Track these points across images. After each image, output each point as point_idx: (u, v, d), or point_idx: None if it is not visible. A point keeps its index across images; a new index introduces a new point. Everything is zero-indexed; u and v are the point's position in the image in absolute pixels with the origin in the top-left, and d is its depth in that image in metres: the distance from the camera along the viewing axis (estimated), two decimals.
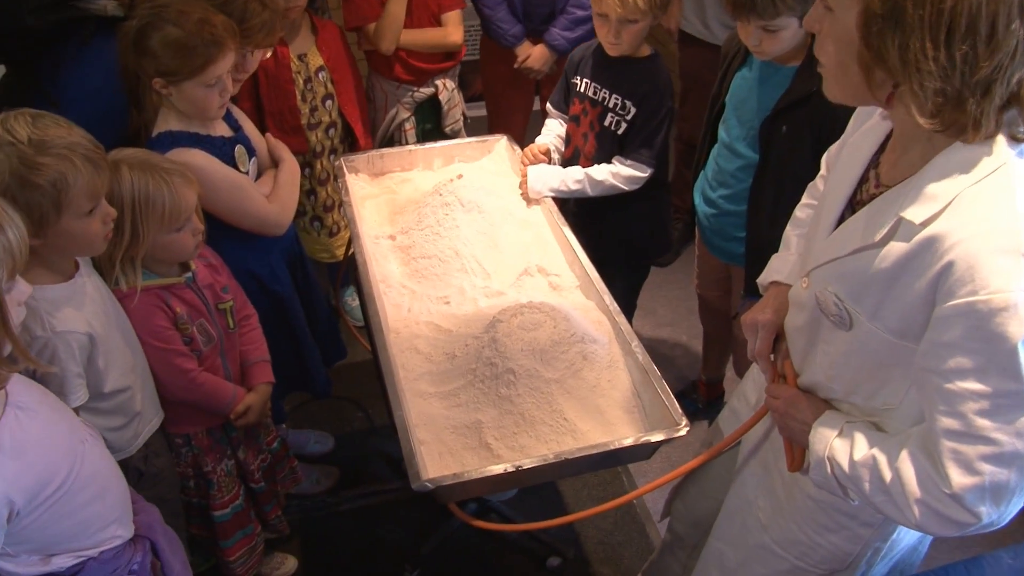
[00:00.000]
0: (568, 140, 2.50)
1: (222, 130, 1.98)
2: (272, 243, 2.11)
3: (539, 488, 2.70)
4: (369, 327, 2.03)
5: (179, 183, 1.67)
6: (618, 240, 2.47)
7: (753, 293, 2.02)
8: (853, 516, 1.38)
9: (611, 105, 2.30)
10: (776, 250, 1.57)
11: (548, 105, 2.58)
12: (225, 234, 1.98)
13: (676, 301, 3.64)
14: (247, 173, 2.01)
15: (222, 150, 1.93)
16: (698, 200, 2.36)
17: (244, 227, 1.99)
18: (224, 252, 1.98)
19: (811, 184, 1.55)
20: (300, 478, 2.35)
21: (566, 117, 2.51)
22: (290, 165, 2.13)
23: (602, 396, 1.75)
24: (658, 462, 2.83)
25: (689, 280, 3.71)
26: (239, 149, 1.99)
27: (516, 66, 3.10)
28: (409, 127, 3.01)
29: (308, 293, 2.31)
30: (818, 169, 1.54)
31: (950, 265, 1.04)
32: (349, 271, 3.25)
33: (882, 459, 1.17)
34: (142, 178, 1.63)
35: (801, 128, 1.90)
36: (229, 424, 1.96)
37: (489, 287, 2.08)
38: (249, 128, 2.11)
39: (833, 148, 1.47)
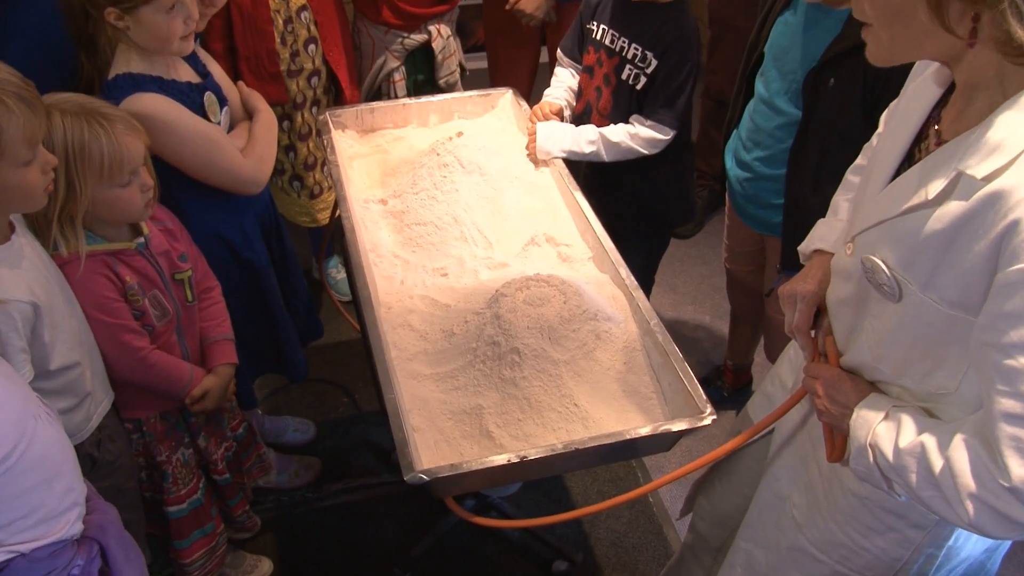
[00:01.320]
0: (580, 93, 2.50)
1: (188, 75, 1.96)
2: (246, 204, 2.10)
3: (543, 484, 2.72)
4: (357, 301, 2.04)
5: (121, 131, 1.64)
6: (635, 207, 2.47)
7: (791, 267, 2.02)
8: (901, 516, 1.37)
9: (629, 56, 2.29)
10: (818, 219, 1.57)
11: (559, 51, 2.57)
12: (192, 193, 1.97)
13: (700, 277, 3.64)
14: (218, 124, 2.01)
15: (190, 97, 1.92)
16: (730, 163, 2.35)
17: (216, 184, 1.98)
18: (191, 214, 1.97)
19: (867, 144, 1.54)
20: (270, 466, 2.36)
21: (579, 67, 2.51)
22: (266, 116, 2.13)
23: (617, 380, 1.76)
24: (677, 456, 2.85)
25: (715, 254, 3.73)
26: (209, 97, 1.98)
27: (508, 8, 3.07)
28: (398, 78, 2.99)
29: (284, 264, 2.32)
30: (870, 128, 1.52)
31: (1015, 225, 1.01)
32: (334, 239, 3.26)
33: (931, 447, 1.16)
34: (76, 124, 1.59)
35: (851, 81, 1.88)
36: (186, 409, 1.96)
37: (491, 258, 2.08)
38: (219, 74, 2.10)
39: (893, 104, 1.44)
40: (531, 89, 3.44)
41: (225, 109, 2.05)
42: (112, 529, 1.53)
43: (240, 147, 2.03)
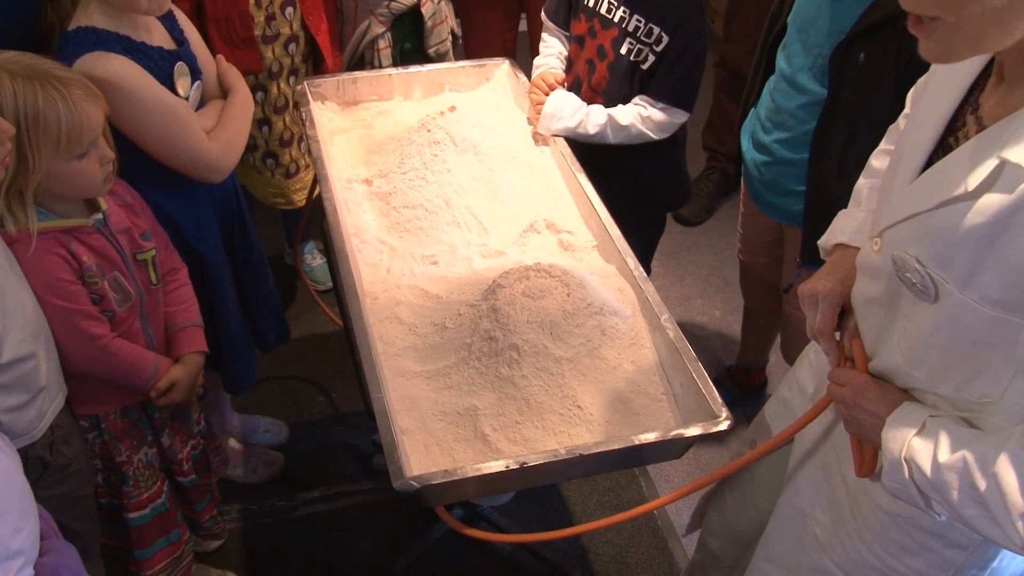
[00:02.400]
0: (569, 65, 2.50)
1: (161, 39, 1.95)
2: (204, 190, 2.09)
3: (538, 492, 2.73)
4: (339, 291, 2.04)
5: (79, 96, 1.61)
6: (634, 188, 2.48)
7: (812, 261, 2.03)
8: (939, 535, 1.36)
9: (631, 29, 2.28)
10: (843, 208, 1.58)
11: (543, 15, 2.56)
12: (143, 164, 1.95)
13: (709, 269, 3.66)
14: (186, 99, 2.00)
15: (158, 64, 1.91)
16: (746, 145, 2.36)
17: (174, 166, 1.97)
18: (139, 186, 1.95)
19: (892, 127, 1.54)
20: (227, 460, 2.37)
21: (567, 34, 2.51)
22: (242, 98, 2.12)
23: (624, 380, 1.77)
24: (683, 465, 2.87)
25: (726, 243, 3.75)
26: (180, 67, 1.97)
27: None
28: (383, 45, 2.99)
29: (248, 260, 2.32)
30: (902, 109, 1.53)
31: None
32: (311, 223, 3.26)
33: (975, 462, 1.16)
34: (29, 89, 1.56)
35: (883, 57, 1.88)
36: (150, 403, 1.95)
37: (487, 245, 2.09)
38: (197, 43, 2.09)
39: (921, 81, 1.46)
40: (507, 54, 3.43)
41: (197, 83, 2.04)
42: (68, 573, 1.45)
43: (208, 128, 2.02)
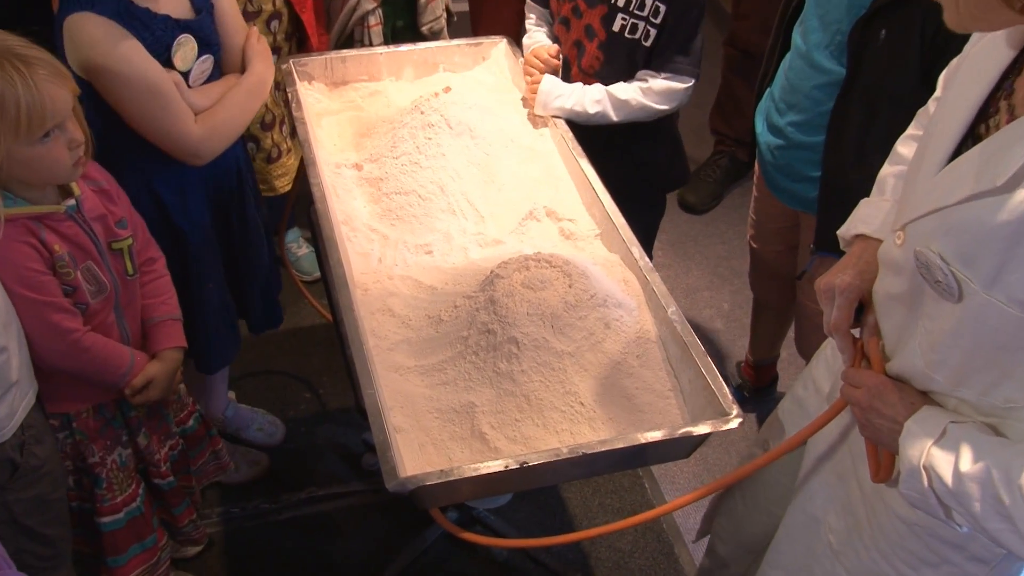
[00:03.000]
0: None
1: (172, 6, 1.95)
2: (204, 181, 2.12)
3: (536, 494, 2.74)
4: (328, 282, 2.04)
5: (43, 77, 1.60)
6: (629, 167, 2.48)
7: (826, 248, 2.04)
8: (960, 547, 1.36)
9: (620, 4, 2.28)
10: (860, 196, 1.57)
11: None
12: (129, 135, 1.96)
13: (716, 258, 3.67)
14: (187, 72, 2.00)
15: (156, 34, 1.91)
16: (760, 127, 2.36)
17: (153, 143, 1.98)
18: (122, 155, 1.96)
19: (921, 111, 1.54)
20: (227, 465, 2.37)
21: (547, 13, 2.51)
22: (255, 80, 2.12)
23: (629, 375, 1.78)
24: (690, 466, 2.89)
25: (735, 231, 3.76)
26: (183, 39, 1.97)
27: None
28: (374, 22, 2.98)
29: (245, 240, 2.33)
30: (926, 92, 1.52)
31: None
32: (296, 210, 3.26)
33: (999, 473, 1.15)
34: None
35: (906, 34, 1.87)
36: (125, 400, 1.95)
37: (484, 234, 2.10)
38: (227, 12, 2.09)
39: (953, 63, 1.44)
40: (520, 36, 3.44)
41: (205, 57, 2.04)
42: None
43: (200, 108, 2.02)
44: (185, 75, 2.01)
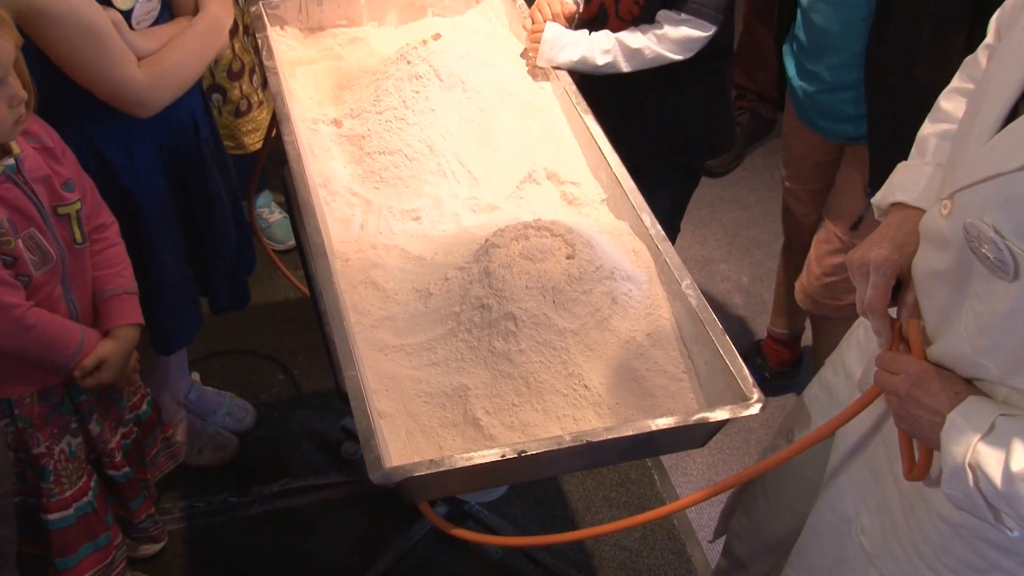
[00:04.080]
0: None
1: None
2: (143, 119, 2.07)
3: (534, 488, 2.76)
4: (304, 252, 2.05)
5: None
6: (662, 133, 2.50)
7: None
8: (1012, 552, 1.33)
9: None
10: (914, 126, 1.55)
11: None
12: (68, 87, 1.94)
13: (736, 226, 3.68)
14: (130, 12, 1.98)
15: None
16: (791, 70, 2.41)
17: (94, 92, 1.96)
18: (61, 106, 1.94)
19: (969, 60, 1.52)
20: (178, 454, 2.39)
21: None
22: (209, 22, 2.10)
23: (638, 356, 1.78)
24: (704, 457, 2.90)
25: (756, 197, 3.77)
26: None
27: None
28: None
29: (206, 207, 2.32)
30: (977, 19, 1.50)
31: None
32: (268, 171, 3.25)
33: None
34: None
35: None
36: (74, 383, 1.95)
37: (478, 198, 2.10)
38: None
39: (1008, 4, 1.42)
40: None
41: None
42: None
43: (145, 52, 2.01)
44: (127, 15, 1.99)
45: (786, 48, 2.43)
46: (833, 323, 2.65)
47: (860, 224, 2.37)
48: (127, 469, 2.15)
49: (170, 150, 2.19)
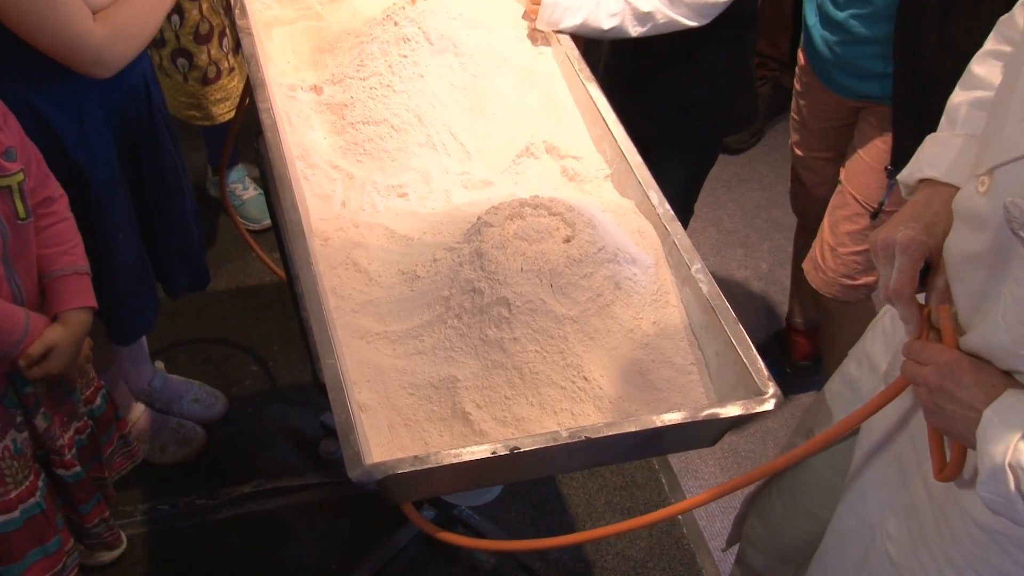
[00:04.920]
0: None
1: None
2: (93, 84, 2.07)
3: (530, 489, 2.78)
4: (279, 231, 2.05)
5: None
6: (675, 105, 2.51)
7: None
8: None
9: None
10: (944, 95, 1.54)
11: None
12: (10, 49, 1.93)
13: (755, 208, 3.68)
14: None
15: None
16: (812, 19, 2.43)
17: (45, 51, 1.95)
18: (5, 81, 1.94)
19: (1004, 19, 1.51)
20: (137, 453, 2.39)
21: None
22: None
23: (643, 346, 1.80)
24: (715, 458, 2.92)
25: (776, 176, 3.78)
26: None
27: None
28: None
29: (158, 183, 2.33)
30: None
31: None
32: (242, 142, 3.26)
33: None
34: None
35: None
36: (19, 375, 1.94)
37: (470, 173, 2.11)
38: None
39: None
40: None
41: None
42: None
43: (100, 5, 2.01)
44: None
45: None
46: (843, 309, 2.65)
47: (879, 213, 2.40)
48: (78, 469, 2.13)
49: (121, 117, 2.19)
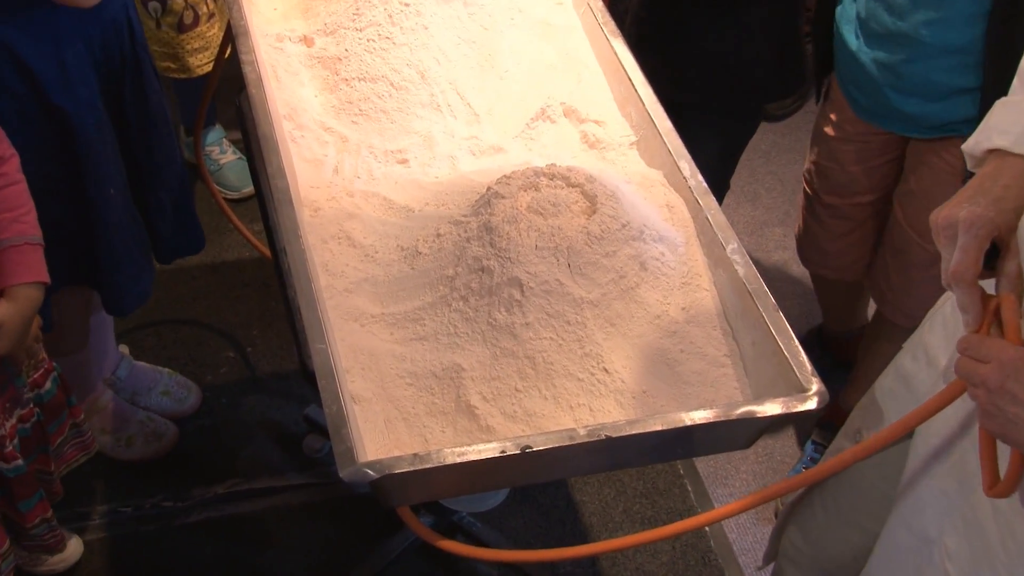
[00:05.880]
0: None
1: None
2: (70, 16, 2.06)
3: (539, 494, 2.78)
4: (263, 199, 2.05)
5: None
6: (711, 65, 2.51)
7: None
8: None
9: None
10: None
11: None
12: None
13: (795, 183, 3.68)
14: None
15: None
16: (852, 39, 2.37)
17: None
18: None
19: None
20: (91, 444, 2.38)
21: None
22: None
23: (671, 334, 1.80)
24: (748, 463, 2.92)
25: None
26: None
27: None
28: None
29: (145, 128, 2.33)
30: None
31: None
32: (221, 99, 3.26)
33: None
34: None
35: None
36: None
37: (479, 138, 2.12)
38: None
39: None
40: None
41: None
42: None
43: None
44: None
45: (841, 11, 2.41)
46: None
47: None
48: (19, 462, 2.12)
49: (104, 54, 2.18)
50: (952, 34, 2.19)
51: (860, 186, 2.66)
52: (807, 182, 2.78)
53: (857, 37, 2.38)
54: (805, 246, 2.92)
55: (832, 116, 2.60)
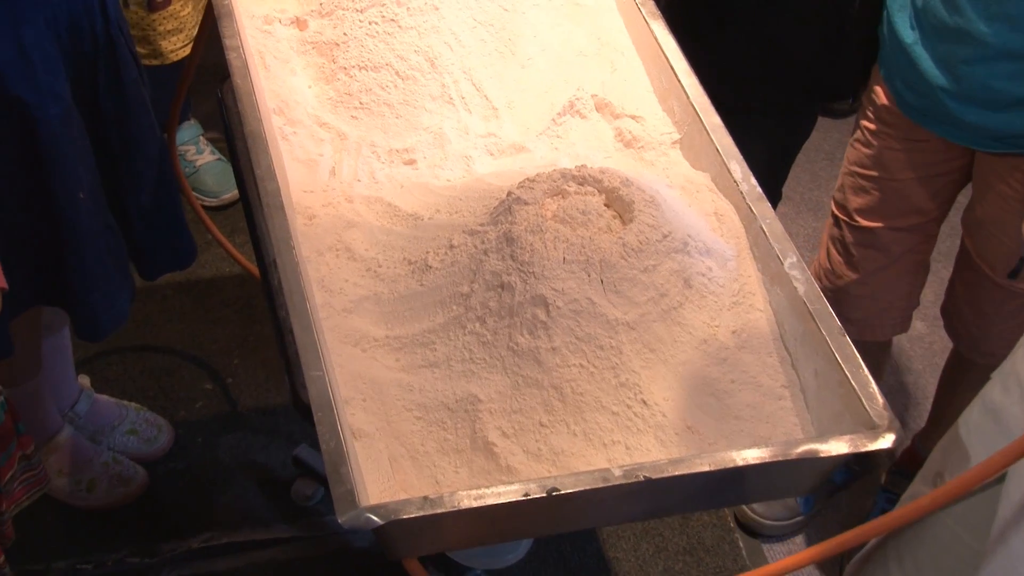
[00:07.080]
0: None
1: None
2: (44, 9, 2.09)
3: (565, 546, 2.78)
4: (249, 205, 2.07)
5: None
6: (759, 59, 2.53)
7: None
8: None
9: None
10: None
11: None
12: None
13: None
14: None
15: None
16: (909, 32, 2.36)
17: None
18: None
19: None
20: (43, 479, 2.38)
21: None
22: None
23: (720, 362, 1.81)
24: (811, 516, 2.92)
25: None
26: None
27: None
28: None
29: (121, 122, 2.33)
30: None
31: None
32: (198, 91, 3.27)
33: None
34: None
35: None
36: None
37: (498, 136, 2.13)
38: None
39: None
40: None
41: None
42: None
43: None
44: None
45: (893, 2, 2.40)
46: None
47: (1020, 272, 2.36)
48: None
49: (71, 35, 2.18)
50: (1017, 36, 2.19)
51: (908, 202, 2.62)
52: (837, 204, 2.72)
53: (913, 28, 2.36)
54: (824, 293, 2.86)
55: (874, 117, 2.57)
